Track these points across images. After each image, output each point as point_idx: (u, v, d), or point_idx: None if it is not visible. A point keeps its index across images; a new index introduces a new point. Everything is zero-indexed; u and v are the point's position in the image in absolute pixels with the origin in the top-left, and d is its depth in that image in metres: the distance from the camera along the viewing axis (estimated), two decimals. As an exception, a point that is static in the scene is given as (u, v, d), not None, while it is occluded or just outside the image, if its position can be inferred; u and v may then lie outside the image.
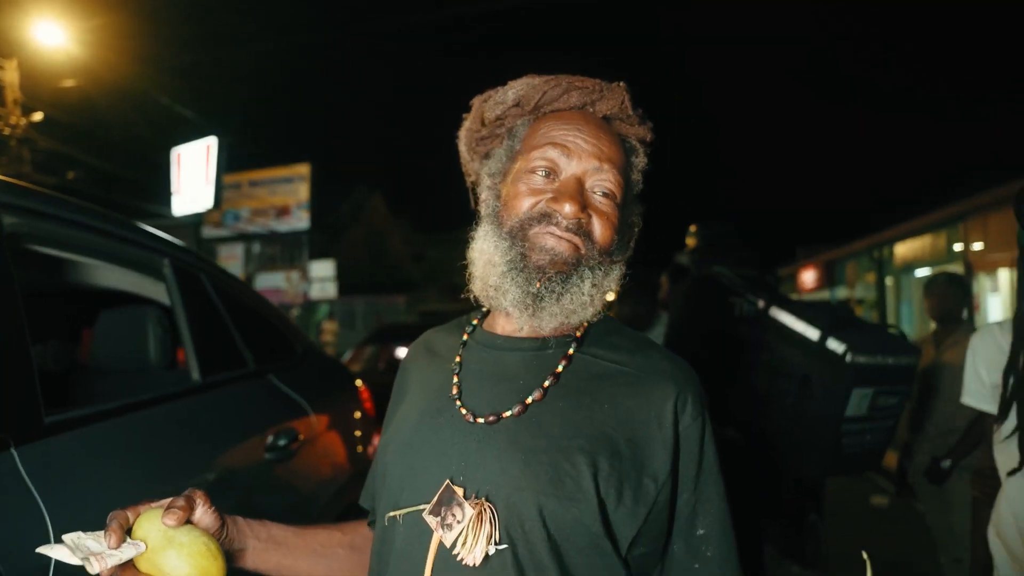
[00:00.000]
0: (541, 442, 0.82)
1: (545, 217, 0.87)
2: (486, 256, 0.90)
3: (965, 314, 3.67)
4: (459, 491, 0.80)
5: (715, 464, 0.90)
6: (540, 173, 0.89)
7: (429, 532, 0.81)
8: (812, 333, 2.49)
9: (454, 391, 0.90)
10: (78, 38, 12.94)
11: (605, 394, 0.87)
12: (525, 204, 0.88)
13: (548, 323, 0.87)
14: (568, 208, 0.85)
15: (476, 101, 1.00)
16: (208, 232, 23.37)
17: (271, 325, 2.55)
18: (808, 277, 22.55)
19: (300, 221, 23.08)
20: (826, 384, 2.43)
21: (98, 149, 16.14)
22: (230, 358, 2.07)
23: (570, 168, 0.89)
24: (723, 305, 2.95)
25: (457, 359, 0.95)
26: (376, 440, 2.77)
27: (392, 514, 0.86)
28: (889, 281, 17.14)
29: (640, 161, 0.99)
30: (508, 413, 0.85)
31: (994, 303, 12.99)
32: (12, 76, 12.84)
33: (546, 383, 0.86)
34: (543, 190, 0.88)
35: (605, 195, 0.89)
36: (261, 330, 2.43)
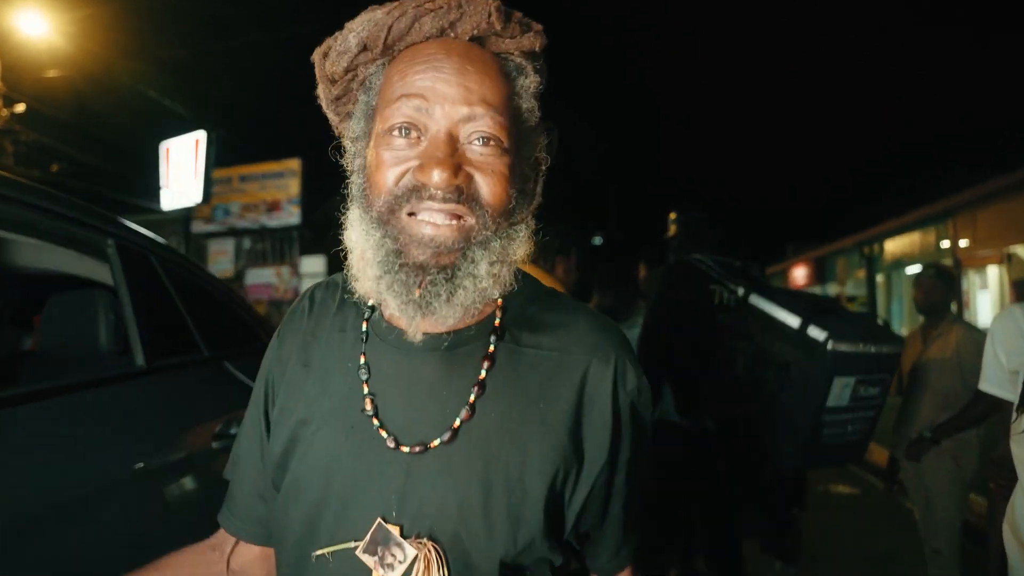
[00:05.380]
0: (478, 464, 0.74)
1: (415, 192, 0.71)
2: (359, 249, 0.76)
3: (954, 308, 3.62)
4: (395, 529, 0.73)
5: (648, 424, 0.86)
6: (399, 134, 0.73)
7: (366, 571, 0.73)
8: (792, 321, 2.42)
9: (367, 406, 0.78)
10: (62, 29, 12.74)
11: (536, 390, 0.78)
12: (389, 178, 0.72)
13: (446, 321, 0.74)
14: (437, 177, 0.69)
15: (316, 57, 0.81)
16: (198, 227, 23.18)
17: (232, 312, 2.45)
18: (799, 274, 22.58)
19: (291, 216, 22.86)
20: (806, 373, 2.35)
21: (83, 142, 15.95)
22: (179, 343, 1.97)
23: (435, 121, 0.72)
24: (701, 292, 2.87)
25: (362, 359, 0.81)
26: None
27: (321, 552, 0.76)
28: (879, 278, 17.13)
29: (530, 82, 0.79)
30: (436, 442, 0.75)
31: (983, 300, 12.96)
32: (-6, 67, 12.66)
33: (471, 397, 0.76)
34: (407, 157, 0.72)
35: (485, 143, 0.72)
36: (219, 316, 2.33)
